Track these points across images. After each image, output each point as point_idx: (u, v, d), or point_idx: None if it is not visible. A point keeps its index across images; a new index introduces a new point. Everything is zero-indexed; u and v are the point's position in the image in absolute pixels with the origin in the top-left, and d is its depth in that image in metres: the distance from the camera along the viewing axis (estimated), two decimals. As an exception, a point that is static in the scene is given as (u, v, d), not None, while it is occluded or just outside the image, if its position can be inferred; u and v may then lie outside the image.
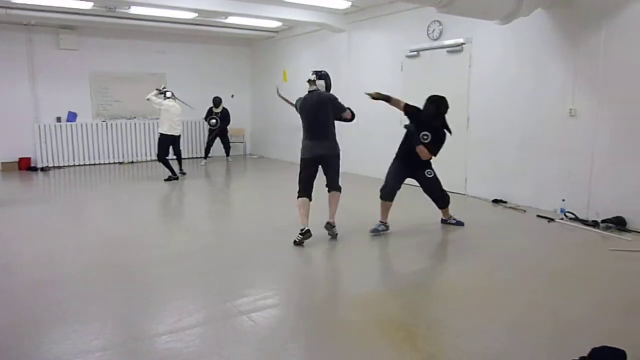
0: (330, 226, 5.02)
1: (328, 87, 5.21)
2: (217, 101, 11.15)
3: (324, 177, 5.03)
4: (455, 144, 7.45)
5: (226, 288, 3.78)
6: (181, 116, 9.21)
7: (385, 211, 5.40)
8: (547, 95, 6.24)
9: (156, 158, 9.48)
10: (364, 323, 3.22)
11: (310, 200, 4.94)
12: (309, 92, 5.06)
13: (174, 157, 9.44)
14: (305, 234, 4.76)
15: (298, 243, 4.78)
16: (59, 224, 6.17)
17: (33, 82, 10.45)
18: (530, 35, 6.36)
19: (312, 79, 5.10)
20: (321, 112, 4.94)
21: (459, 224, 5.69)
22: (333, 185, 5.04)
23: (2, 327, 3.12)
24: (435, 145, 5.23)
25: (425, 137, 5.21)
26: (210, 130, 11.23)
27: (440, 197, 5.54)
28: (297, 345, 2.88)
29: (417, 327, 3.14)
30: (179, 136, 9.25)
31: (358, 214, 6.19)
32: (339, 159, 5.05)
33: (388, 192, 5.40)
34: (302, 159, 4.98)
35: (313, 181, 4.98)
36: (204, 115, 11.30)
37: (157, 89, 9.17)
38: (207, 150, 11.31)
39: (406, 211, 6.24)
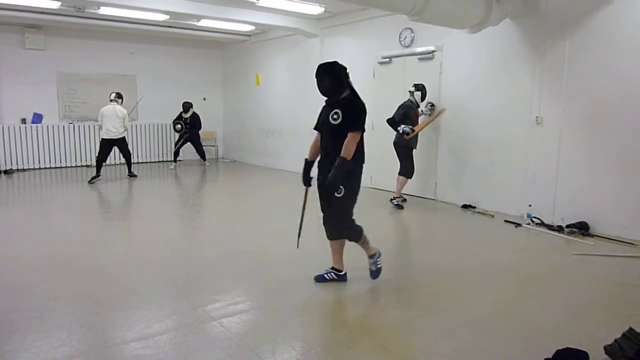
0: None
1: (423, 96, 6.82)
2: (186, 106, 10.97)
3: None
4: (426, 149, 7.62)
5: (196, 294, 3.74)
6: (118, 119, 9.08)
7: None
8: (515, 103, 6.40)
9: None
10: (333, 327, 3.23)
11: None
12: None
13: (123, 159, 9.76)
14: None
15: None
16: (23, 229, 5.98)
17: (-4, 82, 10.13)
18: (499, 44, 6.52)
19: (412, 90, 6.56)
20: None
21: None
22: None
23: (-38, 335, 3.00)
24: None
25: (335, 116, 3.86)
26: (180, 135, 11.10)
27: None
28: (268, 351, 2.87)
29: (386, 330, 3.17)
30: (118, 139, 9.19)
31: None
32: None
33: None
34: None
35: None
36: (173, 119, 11.14)
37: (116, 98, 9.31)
38: (176, 154, 11.18)
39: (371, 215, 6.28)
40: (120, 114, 9.11)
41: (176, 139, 11.31)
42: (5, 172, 10.12)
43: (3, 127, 10.17)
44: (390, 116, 6.86)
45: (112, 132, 9.07)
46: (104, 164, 9.29)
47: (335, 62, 3.85)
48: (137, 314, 3.36)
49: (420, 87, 6.95)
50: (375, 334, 3.12)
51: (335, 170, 3.61)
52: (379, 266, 3.99)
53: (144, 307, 3.50)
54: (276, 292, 3.81)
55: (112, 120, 9.03)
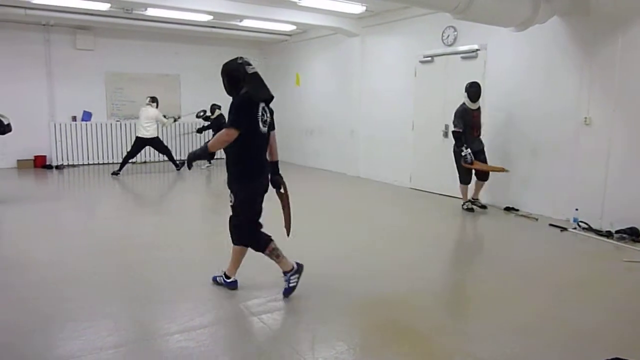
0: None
1: (471, 97, 6.46)
2: (213, 108, 10.79)
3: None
4: (467, 150, 7.47)
5: (237, 289, 3.80)
6: (149, 119, 9.74)
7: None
8: (561, 103, 6.20)
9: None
10: (374, 329, 3.22)
11: None
12: None
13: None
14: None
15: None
16: (72, 222, 6.24)
17: (50, 82, 10.60)
18: (546, 42, 6.33)
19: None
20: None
21: None
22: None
23: (15, 324, 3.16)
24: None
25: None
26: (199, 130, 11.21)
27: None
28: (307, 348, 2.89)
29: (427, 332, 3.14)
30: (151, 139, 9.81)
31: (364, 217, 6.17)
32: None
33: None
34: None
35: None
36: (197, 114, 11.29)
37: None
38: (212, 155, 11.20)
39: (408, 215, 6.22)
40: (151, 115, 9.76)
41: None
42: (57, 167, 10.58)
43: (55, 125, 10.63)
44: (453, 126, 6.54)
45: (141, 131, 9.74)
46: (132, 161, 10.15)
47: (229, 62, 3.64)
48: (180, 308, 3.45)
49: (466, 88, 6.51)
50: (416, 337, 3.09)
51: (194, 150, 3.52)
52: (292, 285, 3.61)
53: (186, 300, 3.59)
54: (317, 291, 3.83)
55: (143, 120, 9.73)
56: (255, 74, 3.52)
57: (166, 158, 10.33)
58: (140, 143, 9.86)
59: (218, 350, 2.85)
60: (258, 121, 3.41)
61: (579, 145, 6.02)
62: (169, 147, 10.64)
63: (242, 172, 3.48)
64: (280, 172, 3.72)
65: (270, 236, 3.65)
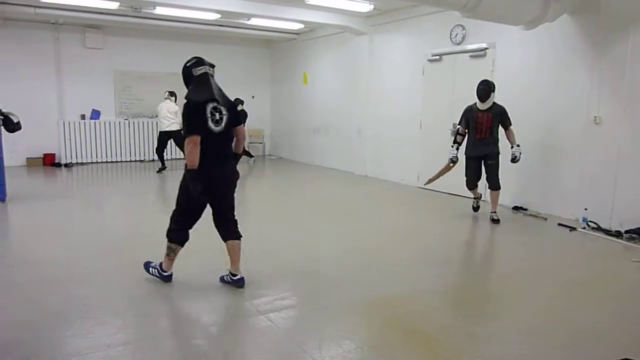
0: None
1: (480, 97, 5.99)
2: (235, 103, 11.12)
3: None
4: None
5: (244, 288, 3.80)
6: (169, 113, 9.75)
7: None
8: (571, 102, 6.16)
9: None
10: (381, 328, 3.22)
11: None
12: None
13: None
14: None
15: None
16: (81, 220, 6.28)
17: (59, 80, 10.68)
18: (556, 41, 6.29)
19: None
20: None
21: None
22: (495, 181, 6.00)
23: (23, 321, 3.17)
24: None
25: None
26: None
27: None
28: (314, 347, 2.89)
29: (433, 331, 3.13)
30: (173, 131, 9.78)
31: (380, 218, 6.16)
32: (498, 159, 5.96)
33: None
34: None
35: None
36: None
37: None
38: (246, 152, 11.48)
39: (415, 214, 6.20)
40: (172, 109, 9.74)
41: None
42: (66, 165, 10.65)
43: (64, 123, 10.70)
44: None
45: (165, 123, 9.78)
46: (165, 156, 10.18)
47: (185, 63, 3.61)
48: (188, 305, 3.46)
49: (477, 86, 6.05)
50: (422, 336, 3.08)
51: (182, 180, 3.64)
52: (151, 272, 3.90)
53: (193, 299, 3.60)
54: (323, 290, 3.83)
55: (165, 113, 9.79)
56: (202, 76, 3.54)
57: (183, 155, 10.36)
58: (164, 136, 9.92)
59: (226, 348, 2.86)
60: (207, 121, 3.42)
61: (588, 145, 5.97)
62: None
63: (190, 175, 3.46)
64: (237, 165, 3.78)
65: (185, 240, 3.85)
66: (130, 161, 11.44)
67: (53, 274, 4.07)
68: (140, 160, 11.49)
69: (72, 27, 10.52)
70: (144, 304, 3.50)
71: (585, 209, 5.84)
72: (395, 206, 7.33)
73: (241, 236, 3.80)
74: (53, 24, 10.29)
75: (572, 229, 5.74)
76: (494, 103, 6.01)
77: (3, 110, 6.70)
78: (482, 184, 6.48)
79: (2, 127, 6.70)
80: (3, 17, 9.41)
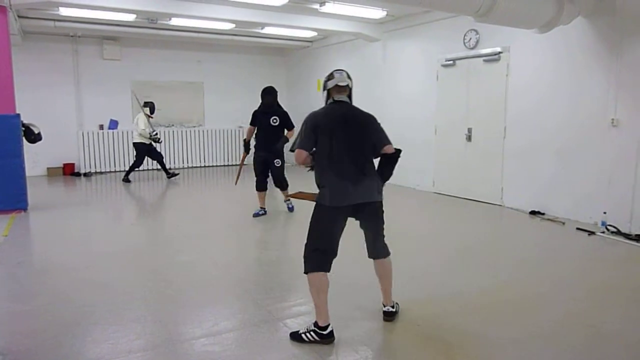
0: (390, 314, 3.34)
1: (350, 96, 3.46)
2: None
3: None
4: (491, 153, 7.41)
5: (261, 294, 3.84)
6: (137, 125, 9.76)
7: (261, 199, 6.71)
8: (587, 105, 6.09)
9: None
10: (397, 333, 3.21)
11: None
12: (337, 102, 3.30)
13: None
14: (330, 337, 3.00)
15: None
16: (99, 228, 6.38)
17: (78, 91, 10.90)
18: (570, 44, 6.24)
19: (349, 84, 3.37)
20: (360, 137, 3.22)
21: (290, 209, 6.88)
22: (380, 249, 3.45)
23: (44, 328, 3.24)
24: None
25: (274, 120, 6.47)
26: None
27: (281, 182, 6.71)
28: (330, 352, 2.90)
29: (451, 338, 3.12)
30: (134, 143, 9.93)
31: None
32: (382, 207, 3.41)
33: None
34: (328, 207, 3.09)
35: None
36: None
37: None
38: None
39: (432, 220, 6.17)
40: (136, 120, 9.86)
41: None
42: (85, 174, 10.84)
43: (83, 133, 10.90)
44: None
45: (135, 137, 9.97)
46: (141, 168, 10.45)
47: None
48: (206, 312, 3.50)
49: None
50: (440, 343, 3.07)
51: None
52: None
53: (212, 305, 3.64)
54: (339, 296, 3.83)
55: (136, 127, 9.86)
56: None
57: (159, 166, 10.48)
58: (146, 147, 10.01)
59: (243, 355, 2.88)
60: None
61: (606, 147, 5.90)
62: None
63: None
64: None
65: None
66: (148, 170, 11.58)
67: (74, 281, 4.14)
68: (157, 169, 11.61)
69: (90, 39, 10.75)
70: (162, 310, 3.54)
71: (604, 213, 5.77)
72: (411, 211, 7.31)
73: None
74: (72, 36, 10.52)
75: (591, 233, 5.66)
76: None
77: (24, 122, 6.86)
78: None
79: (24, 137, 6.86)
80: (24, 31, 9.64)
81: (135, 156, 10.03)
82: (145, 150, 9.87)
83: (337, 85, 3.26)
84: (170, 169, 10.63)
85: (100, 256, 4.88)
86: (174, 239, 5.66)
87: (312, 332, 3.01)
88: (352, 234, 3.33)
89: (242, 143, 11.79)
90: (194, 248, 5.19)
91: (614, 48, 5.76)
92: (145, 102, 9.95)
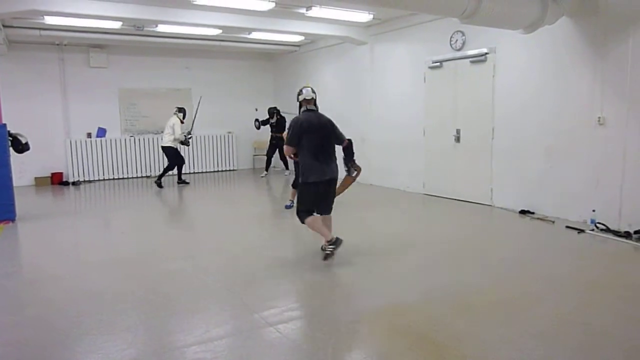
0: (330, 246, 4.72)
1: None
2: (271, 112, 11.23)
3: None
4: (480, 154, 7.45)
5: (253, 300, 3.81)
6: (168, 128, 9.93)
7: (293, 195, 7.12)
8: (574, 104, 6.15)
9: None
10: (390, 336, 3.21)
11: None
12: (309, 110, 4.84)
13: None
14: (336, 242, 4.67)
15: (330, 255, 4.70)
16: (89, 237, 6.32)
17: (65, 100, 10.81)
18: (555, 43, 6.30)
19: (313, 97, 4.89)
20: (328, 135, 4.82)
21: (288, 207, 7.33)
22: (328, 210, 4.98)
23: (34, 339, 3.20)
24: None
25: None
26: (270, 144, 11.30)
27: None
28: (325, 357, 2.89)
29: (443, 339, 3.12)
30: (164, 147, 10.05)
31: (375, 229, 6.14)
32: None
33: None
34: (311, 183, 4.68)
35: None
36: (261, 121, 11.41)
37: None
38: (268, 163, 11.42)
39: (422, 221, 6.19)
40: (170, 122, 9.99)
41: (267, 148, 11.49)
42: (73, 183, 10.74)
43: (71, 142, 10.81)
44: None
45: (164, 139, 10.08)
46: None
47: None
48: (197, 319, 3.47)
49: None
50: (433, 344, 3.07)
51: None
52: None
53: (203, 312, 3.61)
54: (332, 300, 3.83)
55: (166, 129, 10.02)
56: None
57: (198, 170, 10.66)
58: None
59: (235, 361, 2.86)
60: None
61: (593, 146, 5.96)
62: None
63: None
64: None
65: None
66: (137, 177, 11.52)
67: (63, 291, 4.10)
68: (147, 176, 11.56)
69: (76, 47, 10.67)
70: (153, 318, 3.51)
71: (593, 211, 5.82)
72: (401, 213, 7.33)
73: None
74: (57, 45, 10.44)
75: (581, 231, 5.71)
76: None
77: (11, 132, 6.79)
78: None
79: (11, 147, 6.79)
80: (9, 40, 9.56)
81: (169, 160, 10.15)
82: (174, 154, 10.08)
83: (305, 99, 4.84)
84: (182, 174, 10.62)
85: (90, 265, 4.83)
86: (163, 246, 5.62)
87: (328, 248, 4.66)
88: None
89: (230, 146, 11.94)
90: (184, 255, 5.16)
91: (598, 47, 5.83)
92: (179, 108, 10.19)
